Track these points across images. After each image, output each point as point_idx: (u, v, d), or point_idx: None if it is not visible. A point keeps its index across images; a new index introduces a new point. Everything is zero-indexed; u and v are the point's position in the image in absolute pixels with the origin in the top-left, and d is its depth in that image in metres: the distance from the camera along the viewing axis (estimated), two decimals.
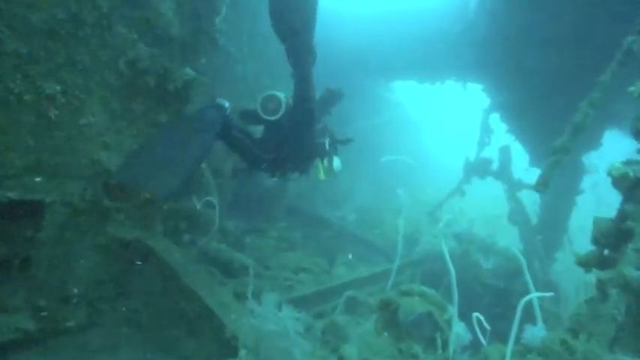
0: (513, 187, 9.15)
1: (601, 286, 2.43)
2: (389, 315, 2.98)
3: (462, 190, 9.72)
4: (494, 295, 8.78)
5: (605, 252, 2.82)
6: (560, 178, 8.90)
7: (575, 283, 9.65)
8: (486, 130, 9.61)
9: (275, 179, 4.30)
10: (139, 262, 4.23)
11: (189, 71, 3.98)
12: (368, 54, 9.40)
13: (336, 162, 4.44)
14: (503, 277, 8.90)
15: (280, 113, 3.65)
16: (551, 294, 3.02)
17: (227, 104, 3.57)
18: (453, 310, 2.86)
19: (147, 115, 4.08)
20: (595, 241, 2.83)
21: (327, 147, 4.18)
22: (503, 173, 9.33)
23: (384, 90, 13.46)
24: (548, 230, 8.78)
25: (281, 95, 3.69)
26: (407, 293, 3.08)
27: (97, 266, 4.13)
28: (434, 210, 10.20)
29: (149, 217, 4.33)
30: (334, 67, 9.77)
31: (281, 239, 8.99)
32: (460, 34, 8.25)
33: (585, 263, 2.83)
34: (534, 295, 2.67)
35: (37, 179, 3.54)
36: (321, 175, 4.36)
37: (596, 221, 2.88)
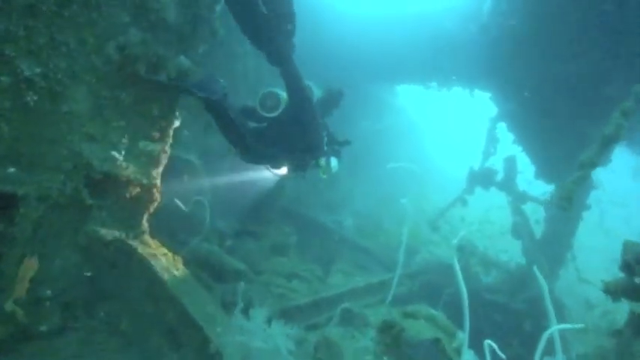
0: (518, 199, 8.87)
1: (636, 320, 2.12)
2: (391, 339, 2.67)
3: (464, 200, 9.42)
4: (493, 311, 8.50)
5: (638, 280, 2.52)
6: None
7: (576, 300, 9.38)
8: (492, 140, 9.33)
9: (272, 179, 4.28)
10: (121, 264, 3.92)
11: (183, 60, 3.67)
12: (373, 57, 9.12)
13: (334, 162, 4.35)
14: (504, 292, 8.62)
15: (279, 110, 3.68)
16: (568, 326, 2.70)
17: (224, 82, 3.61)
18: (464, 337, 2.55)
19: (137, 105, 3.77)
20: (626, 267, 2.53)
21: (325, 146, 4.13)
22: (507, 184, 9.04)
23: (388, 94, 13.17)
24: (552, 246, 8.50)
25: (279, 92, 3.69)
26: (412, 315, 2.78)
27: (75, 267, 3.81)
28: (435, 219, 9.89)
29: (135, 215, 4.01)
30: (337, 70, 9.55)
31: (275, 243, 8.67)
32: (470, 38, 7.97)
33: (613, 291, 2.53)
34: (555, 327, 2.36)
35: (11, 170, 3.22)
36: (322, 173, 4.31)
37: (627, 245, 2.58)
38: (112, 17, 3.52)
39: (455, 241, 3.40)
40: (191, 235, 6.76)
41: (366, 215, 12.64)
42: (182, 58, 3.68)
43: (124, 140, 3.74)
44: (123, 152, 3.71)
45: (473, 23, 7.64)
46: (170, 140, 4.07)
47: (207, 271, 6.41)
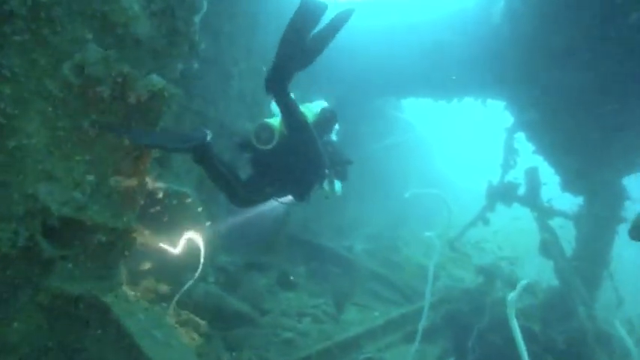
0: (544, 214, 8.13)
1: None
2: None
3: (485, 218, 8.70)
4: (527, 340, 7.68)
5: None
6: (598, 205, 7.93)
7: (619, 326, 8.48)
8: (510, 151, 8.65)
9: (277, 208, 4.26)
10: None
11: (155, 79, 3.10)
12: (378, 70, 8.58)
13: (337, 185, 4.07)
14: (537, 318, 7.81)
15: (274, 141, 3.45)
16: None
17: (209, 132, 3.28)
18: None
19: (104, 135, 3.18)
20: None
21: (327, 170, 3.84)
22: (531, 199, 8.32)
23: (394, 109, 12.61)
24: (586, 264, 7.71)
25: (273, 123, 3.47)
26: None
27: (37, 330, 3.18)
28: (453, 240, 9.16)
29: (108, 264, 3.39)
30: (341, 84, 9.03)
31: (282, 275, 7.99)
32: (482, 44, 7.40)
33: None
34: None
35: None
36: (325, 197, 4.09)
37: None
38: (68, 33, 2.97)
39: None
40: (187, 275, 6.13)
41: (377, 237, 11.92)
42: (154, 77, 3.11)
43: (90, 177, 3.15)
44: (88, 192, 3.11)
45: (484, 27, 7.08)
46: (147, 174, 3.47)
47: (206, 315, 5.76)
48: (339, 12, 3.24)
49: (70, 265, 3.20)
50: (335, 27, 3.21)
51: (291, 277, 7.89)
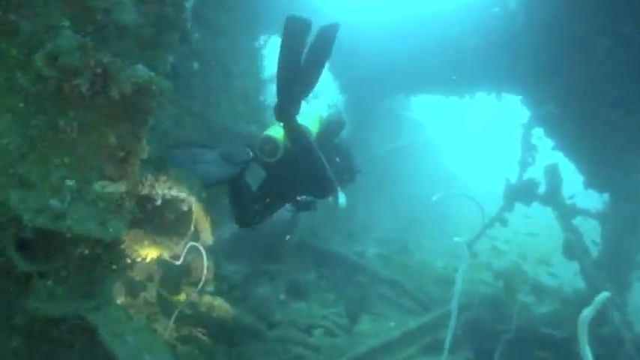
0: (567, 213, 7.67)
1: None
2: None
3: (503, 219, 8.25)
4: (552, 348, 7.20)
5: None
6: (625, 203, 7.45)
7: None
8: (528, 148, 8.21)
9: (284, 213, 4.11)
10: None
11: (141, 70, 2.73)
12: (386, 66, 8.20)
13: (342, 198, 4.00)
14: (563, 324, 7.33)
15: (279, 154, 3.45)
16: None
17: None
18: None
19: (86, 134, 2.83)
20: None
21: (332, 182, 3.69)
22: (552, 198, 7.86)
23: (402, 109, 12.20)
24: (615, 266, 7.23)
25: (277, 136, 3.44)
26: None
27: (14, 356, 2.82)
28: (470, 243, 8.70)
29: (94, 280, 3.03)
30: (348, 84, 8.63)
31: (292, 283, 7.59)
32: (496, 33, 7.00)
33: None
34: None
35: None
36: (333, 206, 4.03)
37: None
38: (42, 20, 2.62)
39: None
40: (189, 286, 5.77)
41: (388, 241, 11.50)
42: (139, 67, 2.75)
43: (70, 182, 2.78)
44: (68, 199, 2.74)
45: (498, 16, 6.68)
46: (136, 177, 3.10)
47: (210, 330, 5.38)
48: (321, 28, 3.14)
49: (49, 283, 2.84)
50: (324, 44, 3.14)
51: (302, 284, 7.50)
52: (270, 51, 6.10)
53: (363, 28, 7.93)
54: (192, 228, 5.79)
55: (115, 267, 3.04)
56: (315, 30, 3.15)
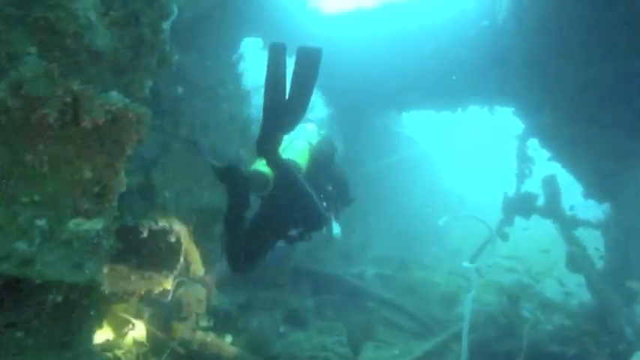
0: (568, 225, 7.48)
1: None
2: None
3: (503, 234, 8.04)
4: None
5: None
6: (627, 212, 7.29)
7: None
8: (524, 160, 8.06)
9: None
10: None
11: (114, 97, 2.52)
12: (375, 82, 8.07)
13: (336, 229, 3.90)
14: (573, 341, 7.06)
15: (269, 188, 3.31)
16: None
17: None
18: None
19: (57, 168, 2.59)
20: None
21: (326, 213, 3.60)
22: (552, 209, 7.69)
23: (394, 124, 12.08)
24: (620, 277, 7.02)
25: (267, 171, 3.31)
26: None
27: None
28: (471, 259, 8.46)
29: (71, 330, 2.74)
30: (339, 103, 8.48)
31: (290, 312, 7.28)
32: (485, 46, 6.91)
33: None
34: None
35: None
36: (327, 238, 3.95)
37: None
38: (5, 47, 2.41)
39: None
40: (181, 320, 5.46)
41: (386, 260, 11.21)
42: (113, 94, 2.54)
43: (40, 222, 2.53)
44: (37, 241, 2.49)
45: (487, 27, 6.59)
46: (114, 212, 2.85)
47: None
48: (302, 53, 3.00)
49: (20, 334, 2.55)
50: (308, 74, 3.02)
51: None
52: (250, 59, 5.91)
53: (351, 42, 7.81)
54: (182, 260, 5.52)
55: (93, 313, 2.75)
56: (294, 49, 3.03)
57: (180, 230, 5.35)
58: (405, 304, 8.23)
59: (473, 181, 16.50)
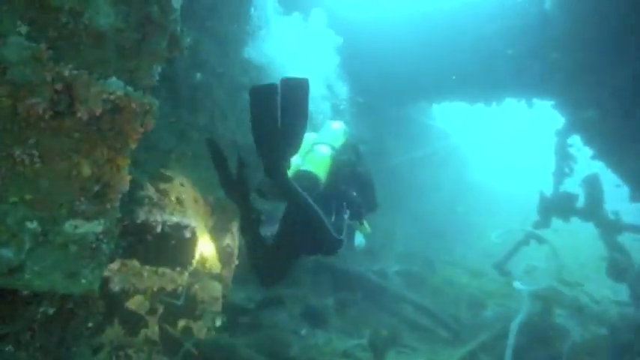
0: (611, 230, 6.92)
1: None
2: None
3: (538, 237, 7.52)
4: None
5: None
6: None
7: None
8: (564, 157, 7.49)
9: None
10: None
11: (114, 84, 2.20)
12: (406, 70, 7.59)
13: (358, 239, 3.85)
14: (605, 352, 6.57)
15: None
16: None
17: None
18: None
19: (50, 164, 2.30)
20: None
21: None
22: (593, 211, 7.12)
23: (426, 117, 11.55)
24: None
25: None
26: None
27: None
28: (502, 261, 7.99)
29: (67, 343, 2.48)
30: (366, 91, 8.03)
31: (309, 309, 7.00)
32: (527, 34, 6.36)
33: None
34: None
35: None
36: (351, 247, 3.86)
37: None
38: None
39: None
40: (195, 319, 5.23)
41: (410, 257, 10.81)
42: (112, 81, 2.22)
43: (32, 225, 2.26)
44: (27, 246, 2.22)
45: (531, 13, 6.03)
46: (116, 213, 2.56)
47: None
48: (287, 86, 2.90)
49: (9, 348, 2.30)
50: (297, 108, 2.91)
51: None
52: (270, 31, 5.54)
53: (386, 30, 7.33)
54: (197, 255, 5.26)
55: (91, 324, 2.48)
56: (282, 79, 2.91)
57: (195, 225, 5.08)
58: (429, 305, 7.84)
59: (505, 175, 15.76)
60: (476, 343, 5.95)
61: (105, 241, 2.51)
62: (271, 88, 2.91)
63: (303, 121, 2.95)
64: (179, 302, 4.62)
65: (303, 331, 5.84)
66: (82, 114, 2.18)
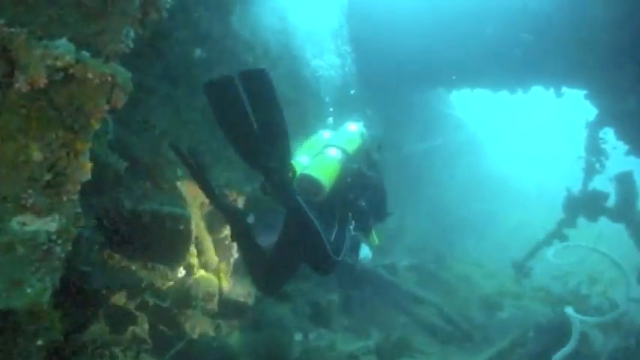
0: None
1: None
2: None
3: (562, 235, 6.98)
4: None
5: None
6: None
7: None
8: (595, 152, 6.89)
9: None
10: None
11: (63, 46, 1.73)
12: (424, 54, 7.01)
13: (365, 251, 3.50)
14: None
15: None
16: None
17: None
18: None
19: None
20: None
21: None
22: (625, 212, 6.55)
23: (441, 104, 10.93)
24: None
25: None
26: None
27: None
28: (522, 261, 7.47)
29: (16, 357, 2.07)
30: (381, 77, 7.47)
31: (312, 305, 6.59)
32: (561, 14, 5.74)
33: None
34: None
35: None
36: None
37: None
38: None
39: None
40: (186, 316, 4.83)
41: (421, 250, 10.31)
42: (61, 43, 1.75)
43: None
44: None
45: None
46: (76, 207, 2.12)
47: None
48: (245, 78, 2.64)
49: None
50: (259, 93, 2.62)
51: None
52: None
53: (405, 11, 6.74)
54: (192, 249, 4.85)
55: (41, 342, 2.06)
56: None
57: (190, 215, 4.65)
58: (441, 304, 7.38)
59: (526, 168, 15.07)
60: (492, 351, 5.49)
61: (59, 242, 2.07)
62: (227, 80, 2.63)
63: (280, 115, 2.64)
64: (165, 303, 4.20)
65: (298, 336, 5.41)
66: (20, 85, 1.71)
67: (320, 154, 3.22)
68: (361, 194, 3.27)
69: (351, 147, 3.32)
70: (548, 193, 11.17)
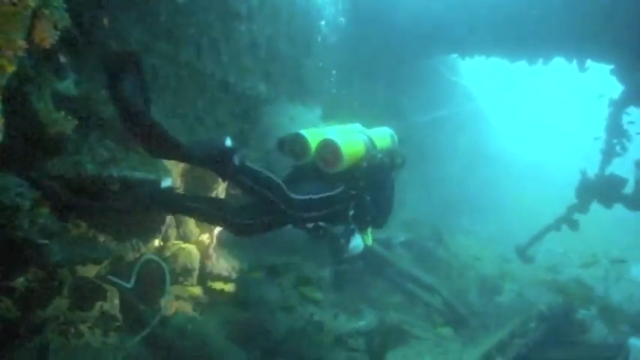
0: None
1: None
2: None
3: (572, 221, 6.54)
4: None
5: None
6: None
7: None
8: (616, 133, 6.35)
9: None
10: None
11: None
12: (436, 16, 6.34)
13: (357, 241, 3.36)
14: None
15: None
16: None
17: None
18: None
19: None
20: None
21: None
22: None
23: (449, 72, 10.25)
24: None
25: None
26: None
27: None
28: (526, 246, 7.06)
29: None
30: (386, 40, 6.80)
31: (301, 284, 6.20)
32: None
33: None
34: None
35: None
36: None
37: None
38: None
39: None
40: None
41: (418, 225, 9.92)
42: None
43: None
44: None
45: None
46: None
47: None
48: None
49: None
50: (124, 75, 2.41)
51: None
52: None
53: None
54: (169, 220, 4.36)
55: None
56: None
57: (166, 181, 4.13)
58: (437, 286, 7.03)
59: (536, 145, 14.51)
60: (491, 342, 5.15)
61: None
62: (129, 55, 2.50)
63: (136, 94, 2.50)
64: (129, 284, 3.74)
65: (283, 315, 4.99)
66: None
67: (350, 132, 3.27)
68: (369, 187, 3.23)
69: (379, 142, 3.37)
70: (554, 175, 10.71)
